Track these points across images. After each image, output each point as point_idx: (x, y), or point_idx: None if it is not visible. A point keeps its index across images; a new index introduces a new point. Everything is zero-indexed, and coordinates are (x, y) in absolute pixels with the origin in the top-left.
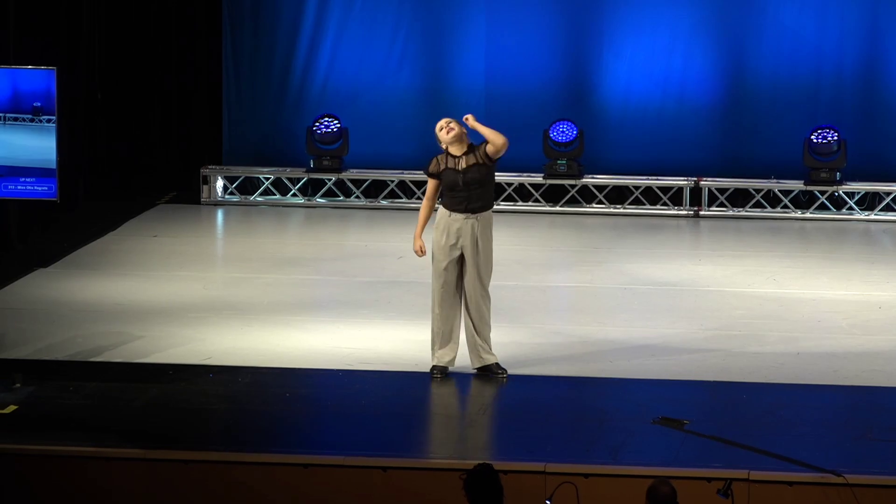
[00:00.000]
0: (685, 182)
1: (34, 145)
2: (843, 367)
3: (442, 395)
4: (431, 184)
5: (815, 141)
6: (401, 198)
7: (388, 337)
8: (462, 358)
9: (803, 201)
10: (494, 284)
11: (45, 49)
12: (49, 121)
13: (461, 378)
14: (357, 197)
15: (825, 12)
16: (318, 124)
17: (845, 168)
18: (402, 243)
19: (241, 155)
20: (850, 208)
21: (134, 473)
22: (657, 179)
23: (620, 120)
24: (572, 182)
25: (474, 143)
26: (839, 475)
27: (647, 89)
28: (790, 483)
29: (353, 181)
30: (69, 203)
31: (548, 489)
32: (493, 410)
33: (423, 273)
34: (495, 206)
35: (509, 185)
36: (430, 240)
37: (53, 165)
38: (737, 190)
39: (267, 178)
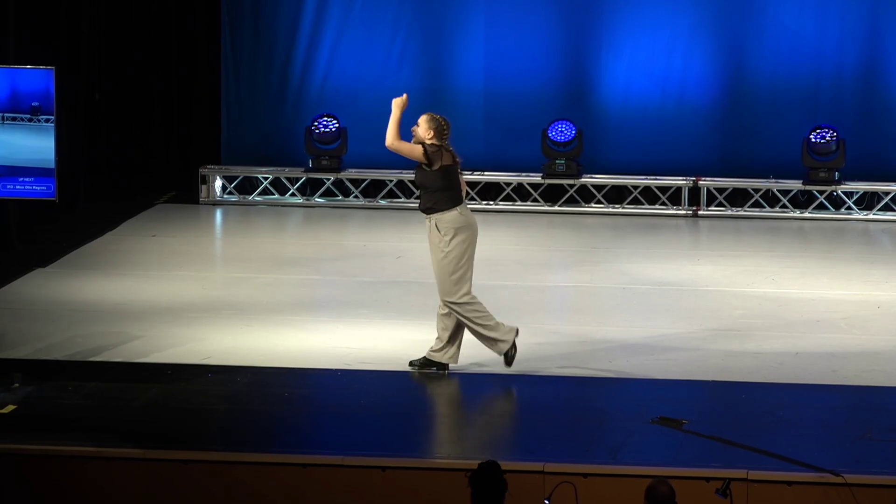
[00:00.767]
0: (684, 182)
1: (33, 145)
2: (842, 366)
3: (441, 395)
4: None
5: (813, 141)
6: (399, 197)
7: (387, 337)
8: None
9: (802, 201)
10: (493, 284)
11: (45, 49)
12: (48, 120)
13: (460, 378)
14: (356, 197)
15: (825, 12)
16: (316, 124)
17: (844, 168)
18: (401, 243)
19: (239, 155)
20: (849, 208)
21: (133, 473)
22: (656, 179)
23: (619, 120)
24: (571, 182)
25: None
26: (838, 475)
27: (647, 89)
28: (789, 483)
29: (352, 181)
30: (68, 203)
31: (546, 489)
32: (492, 410)
33: (422, 273)
34: (494, 206)
35: (508, 184)
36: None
37: (52, 165)
38: (735, 190)
39: (266, 178)
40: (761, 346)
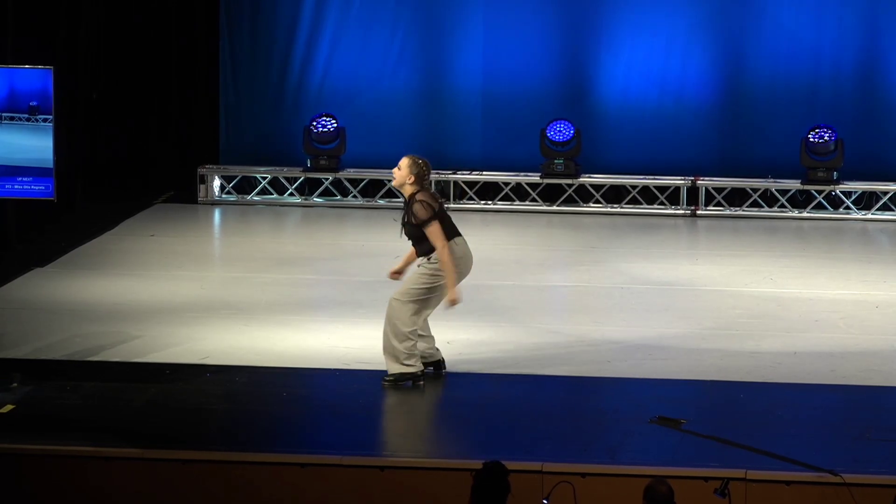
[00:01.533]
0: (682, 181)
1: (31, 145)
2: (840, 366)
3: (439, 395)
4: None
5: (812, 140)
6: (398, 197)
7: None
8: (456, 359)
9: (800, 201)
10: (492, 284)
11: (44, 49)
12: (45, 120)
13: (458, 378)
14: (354, 196)
15: (823, 12)
16: (315, 124)
17: (842, 167)
18: (400, 243)
19: (238, 154)
20: (848, 208)
21: (132, 473)
22: (654, 179)
23: (618, 119)
24: (569, 181)
25: (418, 192)
26: (836, 475)
27: (645, 89)
28: (788, 482)
29: (351, 181)
30: (66, 202)
31: (545, 488)
32: (491, 410)
33: None
34: (492, 206)
35: (506, 184)
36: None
37: (50, 165)
38: (734, 189)
39: (264, 178)
40: (760, 345)
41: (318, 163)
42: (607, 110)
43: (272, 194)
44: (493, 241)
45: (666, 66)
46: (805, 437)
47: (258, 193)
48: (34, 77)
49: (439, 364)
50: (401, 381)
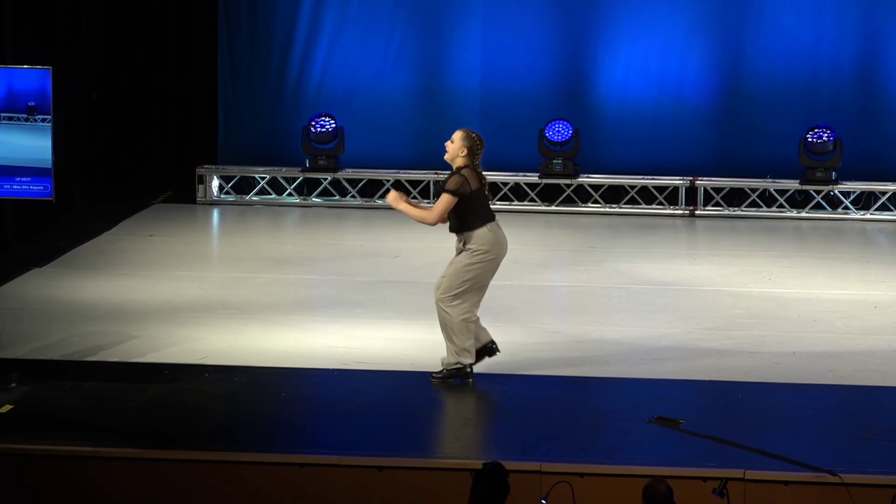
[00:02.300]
0: (681, 181)
1: (30, 145)
2: (839, 366)
3: (437, 395)
4: None
5: (810, 140)
6: None
7: (383, 336)
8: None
9: (799, 201)
10: (491, 284)
11: (44, 48)
12: (44, 120)
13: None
14: (353, 196)
15: (822, 12)
16: (313, 124)
17: (841, 167)
18: (398, 242)
19: (236, 154)
20: (846, 208)
21: (130, 473)
22: (653, 179)
23: (616, 119)
24: (568, 181)
25: (467, 165)
26: (835, 475)
27: (643, 88)
28: (786, 483)
29: (349, 181)
30: (65, 203)
31: (543, 489)
32: (489, 410)
33: (419, 273)
34: (491, 206)
35: (505, 184)
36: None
37: (49, 165)
38: (732, 189)
39: (263, 178)
40: (758, 345)
41: (317, 163)
42: (606, 110)
43: (271, 194)
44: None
45: (665, 66)
46: (803, 437)
47: (257, 193)
48: (32, 77)
49: (489, 349)
50: (452, 378)
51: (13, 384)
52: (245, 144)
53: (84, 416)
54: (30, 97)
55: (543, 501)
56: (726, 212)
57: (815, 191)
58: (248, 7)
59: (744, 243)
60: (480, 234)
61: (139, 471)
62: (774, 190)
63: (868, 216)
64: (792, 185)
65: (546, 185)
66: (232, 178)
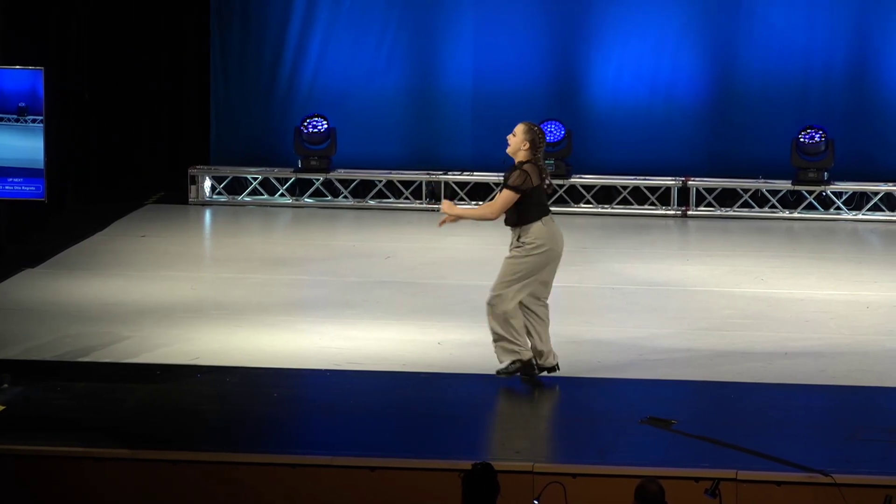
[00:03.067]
0: (673, 182)
1: (21, 145)
2: (831, 366)
3: (430, 396)
4: None
5: (802, 141)
6: (388, 198)
7: (376, 337)
8: (446, 359)
9: (791, 201)
10: (484, 284)
11: (36, 49)
12: (34, 121)
13: (449, 379)
14: (345, 197)
15: (813, 12)
16: (306, 124)
17: (833, 168)
18: (391, 243)
19: (228, 155)
20: (838, 208)
21: (123, 473)
22: (645, 179)
23: (608, 120)
24: (560, 182)
25: (529, 159)
26: (827, 475)
27: (635, 89)
28: (778, 483)
29: (341, 181)
30: (57, 203)
31: (536, 489)
32: (481, 410)
33: (411, 273)
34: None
35: (497, 185)
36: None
37: (41, 166)
38: (724, 190)
39: (255, 179)
40: (750, 346)
41: (309, 163)
42: (598, 111)
43: (263, 195)
44: (484, 241)
45: (657, 67)
46: (796, 437)
47: (249, 194)
48: (23, 78)
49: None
50: (513, 372)
51: (5, 385)
52: (237, 145)
53: (76, 417)
54: (20, 98)
55: (536, 502)
56: (718, 212)
57: (807, 191)
58: (240, 7)
59: (736, 244)
60: (535, 229)
61: (131, 471)
62: (766, 190)
63: (860, 216)
64: (784, 185)
65: None
66: (224, 178)
